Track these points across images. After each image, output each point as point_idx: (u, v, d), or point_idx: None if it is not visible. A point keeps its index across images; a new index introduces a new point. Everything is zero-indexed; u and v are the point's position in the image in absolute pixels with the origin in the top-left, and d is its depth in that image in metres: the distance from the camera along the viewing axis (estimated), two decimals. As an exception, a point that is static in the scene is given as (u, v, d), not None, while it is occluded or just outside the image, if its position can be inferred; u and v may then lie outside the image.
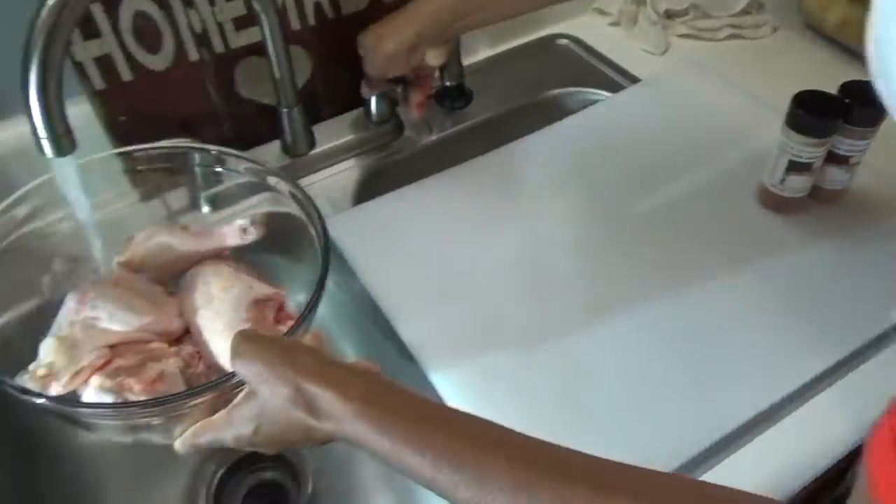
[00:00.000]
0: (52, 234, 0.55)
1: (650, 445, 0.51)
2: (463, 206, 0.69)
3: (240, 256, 0.58)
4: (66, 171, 0.46)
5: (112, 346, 0.48)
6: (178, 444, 0.44)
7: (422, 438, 0.34)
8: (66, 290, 0.53)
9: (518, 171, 0.73)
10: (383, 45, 0.60)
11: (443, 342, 0.58)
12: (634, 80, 0.84)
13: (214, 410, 0.42)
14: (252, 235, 0.56)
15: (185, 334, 0.54)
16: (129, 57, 0.61)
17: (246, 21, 0.66)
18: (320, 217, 0.53)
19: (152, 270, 0.56)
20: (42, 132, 0.42)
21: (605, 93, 0.84)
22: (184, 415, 0.44)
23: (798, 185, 0.64)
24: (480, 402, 0.54)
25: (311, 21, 0.69)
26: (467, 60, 0.84)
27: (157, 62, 0.63)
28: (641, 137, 0.75)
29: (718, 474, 0.51)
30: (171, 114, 0.67)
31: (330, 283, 0.75)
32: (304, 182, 0.73)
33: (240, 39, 0.66)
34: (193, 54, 0.64)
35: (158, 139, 0.64)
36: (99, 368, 0.47)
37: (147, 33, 0.61)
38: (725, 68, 0.84)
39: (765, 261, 0.63)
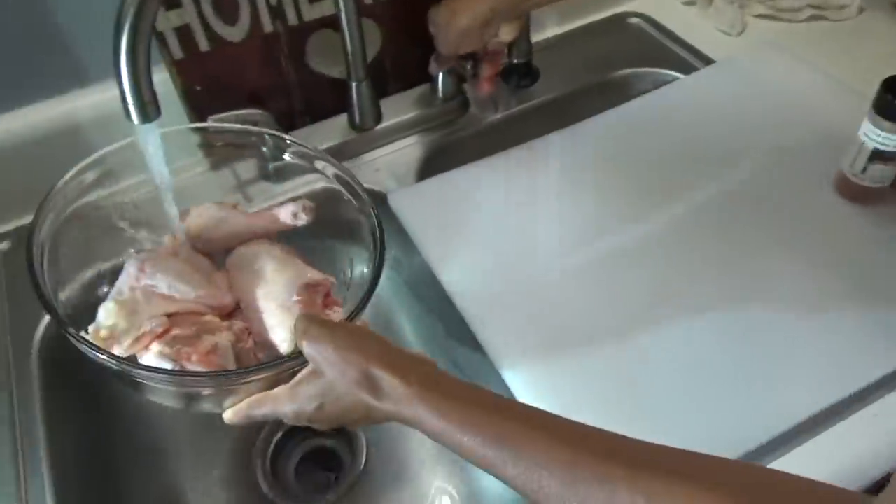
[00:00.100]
0: (121, 201, 0.57)
1: (710, 435, 0.51)
2: (526, 187, 0.69)
3: (288, 237, 0.59)
4: (148, 138, 0.47)
5: (170, 316, 0.50)
6: (231, 414, 0.46)
7: (473, 420, 0.37)
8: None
9: (583, 153, 0.72)
10: (457, 21, 0.60)
11: (501, 320, 0.58)
12: (708, 61, 0.82)
13: (267, 387, 0.45)
14: (303, 220, 0.57)
15: (235, 310, 0.55)
16: (206, 27, 0.63)
17: (319, -6, 0.67)
18: (374, 209, 0.53)
19: (204, 245, 0.57)
20: (130, 98, 0.43)
21: (676, 74, 0.82)
22: (236, 388, 0.47)
23: (880, 174, 0.61)
24: (540, 384, 0.54)
25: (384, -5, 0.69)
26: (535, 37, 0.82)
27: (234, 33, 0.64)
28: (714, 121, 0.73)
29: (783, 466, 0.49)
30: (243, 84, 0.68)
31: (389, 258, 0.77)
32: (368, 157, 0.74)
33: (313, 12, 0.67)
34: (268, 26, 0.65)
35: (231, 109, 0.66)
36: (158, 336, 0.48)
37: (225, 4, 0.62)
38: (805, 50, 0.80)
39: (838, 252, 0.61)
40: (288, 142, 0.57)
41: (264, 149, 0.58)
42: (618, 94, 0.80)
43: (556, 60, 0.83)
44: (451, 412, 0.38)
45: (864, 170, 0.61)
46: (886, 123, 0.58)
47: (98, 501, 0.59)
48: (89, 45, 0.63)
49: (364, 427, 0.69)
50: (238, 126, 0.57)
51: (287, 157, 0.58)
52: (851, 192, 0.64)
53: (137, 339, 0.47)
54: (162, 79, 0.65)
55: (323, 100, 0.73)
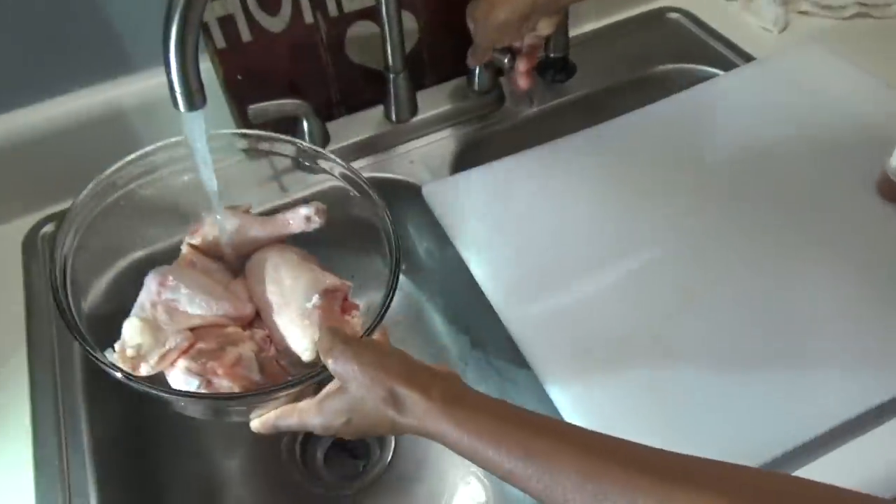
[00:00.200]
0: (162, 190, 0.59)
1: (742, 437, 0.50)
2: (560, 182, 0.68)
3: (305, 239, 0.59)
4: (193, 126, 0.48)
5: (193, 329, 0.50)
6: (258, 424, 0.48)
7: (497, 434, 0.38)
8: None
9: (618, 149, 0.71)
10: (496, 14, 0.59)
11: (533, 319, 0.58)
12: (749, 58, 0.81)
13: (294, 398, 0.47)
14: (316, 223, 0.57)
15: (255, 317, 0.55)
16: (249, 18, 0.63)
17: (359, -14, 0.67)
18: (388, 215, 0.53)
19: (220, 252, 0.58)
20: (177, 87, 0.44)
21: (716, 70, 0.81)
22: (264, 402, 0.48)
23: (927, 177, 0.60)
24: (569, 377, 0.54)
25: (423, -13, 0.70)
26: (572, 32, 0.82)
27: (275, 24, 0.65)
28: (753, 119, 0.72)
29: (811, 473, 0.49)
30: (283, 74, 0.69)
31: (421, 251, 0.77)
32: (403, 148, 0.75)
33: (353, 4, 0.67)
34: (309, 17, 0.66)
35: (270, 98, 0.67)
36: (184, 351, 0.49)
37: (268, -5, 0.63)
38: (849, 49, 0.79)
39: (878, 255, 0.60)
40: (306, 150, 0.58)
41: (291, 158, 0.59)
42: (655, 90, 0.79)
43: (592, 55, 0.82)
44: (475, 426, 0.39)
45: (910, 171, 0.60)
46: (935, 125, 0.57)
47: (136, 480, 0.61)
48: (136, 33, 0.65)
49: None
50: (262, 133, 0.58)
51: (306, 163, 0.59)
52: (894, 193, 0.63)
53: (164, 357, 0.48)
54: (204, 68, 0.65)
55: (360, 91, 0.74)
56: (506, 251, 0.63)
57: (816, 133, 0.70)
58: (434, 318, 0.78)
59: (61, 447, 0.54)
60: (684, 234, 0.63)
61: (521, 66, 0.66)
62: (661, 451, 0.36)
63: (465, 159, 0.74)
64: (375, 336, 0.48)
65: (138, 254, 0.62)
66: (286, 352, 0.53)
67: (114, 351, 0.48)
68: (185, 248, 0.57)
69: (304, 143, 0.58)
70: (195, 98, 0.45)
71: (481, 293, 0.61)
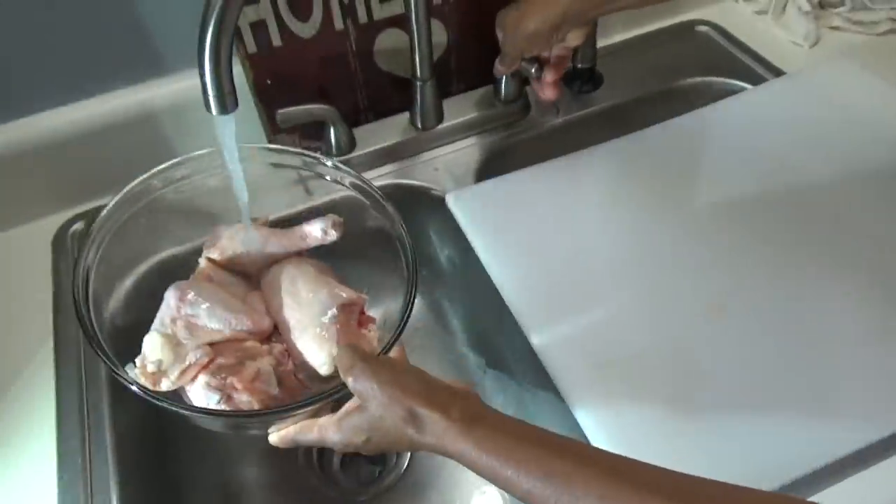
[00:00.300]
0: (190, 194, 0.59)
1: (763, 458, 0.49)
2: (584, 193, 0.68)
3: (321, 251, 0.60)
4: (225, 129, 0.48)
5: (212, 345, 0.51)
6: (276, 439, 0.48)
7: (515, 454, 0.38)
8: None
9: (645, 162, 0.71)
10: (526, 24, 0.60)
11: (556, 332, 0.57)
12: (778, 72, 0.80)
13: (314, 415, 0.47)
14: (332, 236, 0.57)
15: (273, 331, 0.56)
16: (280, 23, 0.64)
17: (390, -7, 0.67)
18: (404, 229, 0.54)
19: (237, 266, 0.58)
20: (210, 90, 0.45)
21: (744, 84, 0.80)
22: (283, 419, 0.48)
23: (961, 197, 0.59)
24: (589, 390, 0.54)
25: (453, -4, 0.70)
26: (600, 43, 0.82)
27: (305, 30, 0.66)
28: (782, 134, 0.71)
29: (831, 497, 0.48)
30: (312, 80, 0.70)
31: (443, 258, 0.77)
32: (428, 156, 0.75)
33: (383, 11, 0.68)
34: (339, 23, 0.67)
35: (299, 103, 0.68)
36: (203, 367, 0.49)
37: (300, 1, 0.64)
38: (882, 65, 0.78)
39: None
40: (327, 163, 0.59)
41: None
42: (682, 103, 0.79)
43: (620, 67, 0.82)
44: (493, 445, 0.39)
45: (943, 191, 0.59)
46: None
47: (155, 480, 0.61)
48: (169, 37, 0.66)
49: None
50: (279, 147, 0.59)
51: (324, 175, 0.60)
52: (927, 213, 0.62)
53: (184, 372, 0.48)
54: (234, 72, 0.66)
55: (387, 97, 0.74)
56: (528, 261, 0.63)
57: (846, 149, 0.69)
58: (454, 325, 0.78)
59: (84, 443, 0.55)
60: (709, 250, 0.62)
61: (549, 76, 0.66)
62: (682, 475, 0.36)
63: (489, 168, 0.74)
64: (393, 352, 0.48)
65: (161, 261, 0.63)
66: (304, 366, 0.53)
67: (135, 366, 0.48)
68: (202, 262, 0.57)
69: (314, 155, 0.59)
70: (227, 101, 0.46)
71: (502, 302, 0.61)
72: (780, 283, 0.59)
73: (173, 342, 0.49)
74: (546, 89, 0.67)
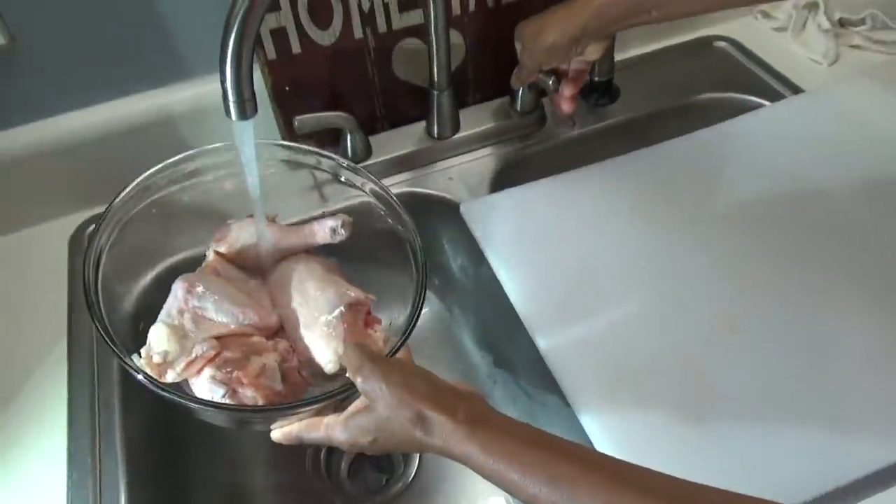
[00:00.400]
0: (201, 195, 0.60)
1: (773, 478, 0.49)
2: (599, 206, 0.68)
3: (329, 252, 0.60)
4: (244, 134, 0.49)
5: (218, 338, 0.51)
6: (280, 436, 0.48)
7: (521, 458, 0.38)
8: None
9: (660, 176, 0.71)
10: (545, 36, 0.60)
11: (567, 341, 0.57)
12: (797, 89, 0.80)
13: (317, 414, 0.47)
14: (341, 235, 0.57)
15: (279, 327, 0.56)
16: (300, 30, 0.65)
17: (409, 4, 0.68)
18: (417, 236, 0.54)
19: (245, 261, 0.58)
20: (231, 96, 0.45)
21: (762, 101, 0.80)
22: (288, 416, 0.48)
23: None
24: (599, 403, 0.54)
25: (472, 7, 0.70)
26: (618, 56, 0.82)
27: (325, 38, 0.66)
28: (799, 151, 0.71)
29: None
30: (330, 87, 0.70)
31: (455, 267, 0.77)
32: (443, 165, 0.75)
33: (402, 21, 0.68)
34: (358, 32, 0.67)
35: (316, 110, 0.68)
36: (209, 360, 0.49)
37: (320, 10, 0.64)
38: (901, 85, 0.77)
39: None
40: (343, 165, 0.59)
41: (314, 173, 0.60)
42: (699, 118, 0.79)
43: (637, 80, 0.82)
44: (500, 449, 0.39)
45: (963, 213, 0.59)
46: None
47: (163, 480, 0.61)
48: (190, 41, 0.67)
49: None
50: (294, 145, 0.60)
51: (341, 178, 0.60)
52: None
53: (190, 364, 0.48)
54: (254, 77, 0.67)
55: (403, 106, 0.75)
56: (541, 272, 0.62)
57: (864, 168, 0.69)
58: (464, 335, 0.78)
59: (95, 442, 0.55)
60: (723, 265, 0.62)
61: (567, 90, 0.66)
62: (686, 482, 0.36)
63: (504, 178, 0.74)
64: (400, 354, 0.48)
65: (180, 260, 0.63)
66: (308, 363, 0.53)
67: (140, 356, 0.48)
68: (210, 255, 0.57)
69: (337, 158, 0.59)
70: (247, 107, 0.46)
71: (513, 313, 0.60)
72: (795, 300, 0.59)
73: (180, 334, 0.49)
74: (563, 103, 0.67)
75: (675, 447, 0.51)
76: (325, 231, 0.58)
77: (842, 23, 0.85)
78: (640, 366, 0.55)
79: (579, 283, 0.61)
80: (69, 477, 0.53)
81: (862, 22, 0.84)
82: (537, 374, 0.61)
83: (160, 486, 0.60)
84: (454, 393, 0.43)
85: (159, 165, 0.56)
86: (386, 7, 0.67)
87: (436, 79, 0.69)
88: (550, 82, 0.67)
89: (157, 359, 0.48)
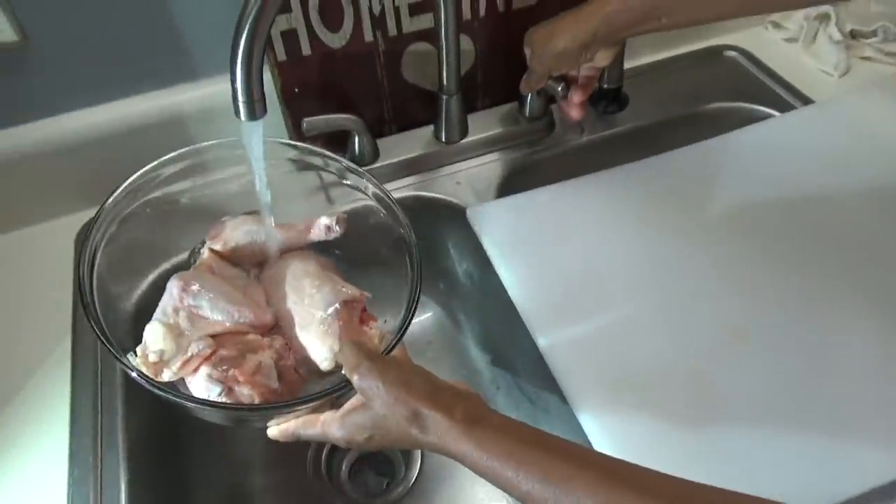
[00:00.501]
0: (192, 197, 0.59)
1: (774, 488, 0.47)
2: (606, 213, 0.68)
3: (323, 250, 0.60)
4: (252, 135, 0.49)
5: (214, 336, 0.50)
6: (276, 432, 0.48)
7: (515, 456, 0.38)
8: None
9: (667, 185, 0.70)
10: (555, 42, 0.60)
11: (570, 343, 0.57)
12: (806, 100, 0.79)
13: (314, 410, 0.47)
14: (335, 233, 0.57)
15: (274, 325, 0.55)
16: (311, 33, 0.65)
17: (419, 8, 0.68)
18: (415, 245, 0.54)
19: (240, 258, 0.58)
20: (241, 96, 0.45)
21: (771, 111, 0.80)
22: (284, 414, 0.48)
23: None
24: (602, 410, 0.53)
25: (482, 12, 0.70)
26: (627, 64, 0.82)
27: (335, 40, 0.66)
28: (809, 162, 0.71)
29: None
30: (339, 89, 0.70)
31: (460, 272, 0.77)
32: (450, 169, 0.75)
33: (412, 25, 0.68)
34: (368, 35, 0.67)
35: (325, 112, 0.68)
36: (206, 358, 0.49)
37: (331, 11, 0.64)
38: (912, 98, 0.77)
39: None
40: (344, 166, 0.59)
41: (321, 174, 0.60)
42: (707, 127, 0.79)
43: (646, 88, 0.82)
44: (495, 447, 0.39)
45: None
46: None
47: (164, 480, 0.61)
48: (200, 41, 0.67)
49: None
50: (302, 145, 0.59)
51: (345, 181, 0.60)
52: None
53: (186, 363, 0.48)
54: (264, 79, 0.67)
55: (412, 110, 0.75)
56: (547, 278, 0.62)
57: (873, 179, 0.68)
58: (468, 340, 0.78)
59: (96, 441, 0.55)
60: (730, 275, 0.62)
61: (576, 97, 0.66)
62: (684, 480, 0.36)
63: (511, 184, 0.74)
64: (395, 352, 0.48)
65: (176, 258, 0.63)
66: (304, 360, 0.53)
67: (135, 355, 0.48)
68: (205, 253, 0.57)
69: (335, 157, 0.59)
70: (257, 108, 0.46)
71: (518, 318, 0.60)
72: (800, 308, 0.59)
73: (175, 332, 0.49)
74: (572, 109, 0.67)
75: (674, 451, 0.51)
76: (319, 228, 0.58)
77: (853, 34, 0.85)
78: (643, 371, 0.55)
79: (584, 289, 0.61)
80: (70, 475, 0.53)
81: (873, 34, 0.84)
82: (542, 381, 0.60)
83: (161, 486, 0.60)
84: (452, 392, 0.43)
85: (154, 163, 0.56)
86: (396, 10, 0.67)
87: (445, 83, 0.69)
88: (559, 88, 0.67)
89: (153, 357, 0.48)
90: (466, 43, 0.72)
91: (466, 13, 0.70)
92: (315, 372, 0.53)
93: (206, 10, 0.64)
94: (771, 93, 0.82)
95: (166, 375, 0.48)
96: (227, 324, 0.51)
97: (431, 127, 0.75)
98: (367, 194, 0.58)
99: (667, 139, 0.76)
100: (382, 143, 0.73)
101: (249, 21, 0.42)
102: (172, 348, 0.48)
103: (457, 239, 0.73)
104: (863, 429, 0.51)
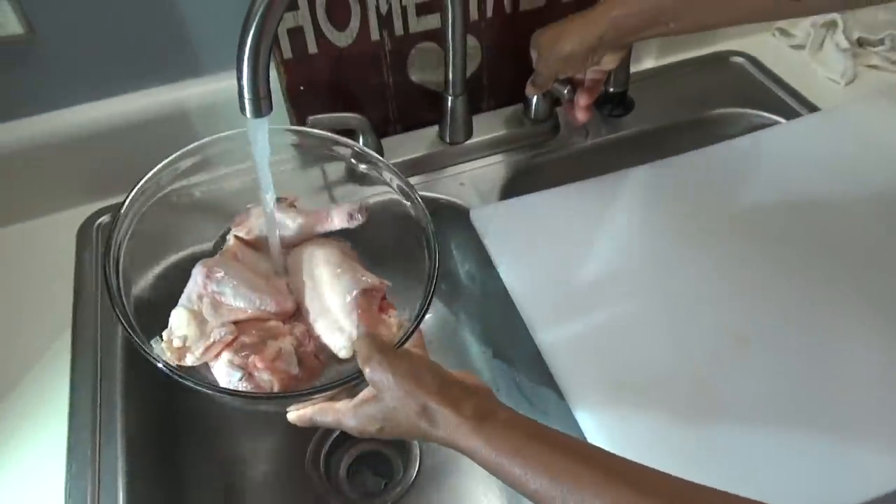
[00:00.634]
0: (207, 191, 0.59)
1: (774, 495, 0.48)
2: (609, 217, 0.67)
3: (346, 238, 0.60)
4: (257, 132, 0.49)
5: (235, 323, 0.51)
6: (295, 417, 0.49)
7: (524, 453, 0.38)
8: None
9: (672, 189, 0.70)
10: (562, 45, 0.59)
11: (572, 346, 0.57)
12: (812, 108, 0.79)
13: (331, 398, 0.48)
14: (358, 220, 0.57)
15: (296, 311, 0.56)
16: (317, 31, 0.65)
17: (426, 8, 0.68)
18: (433, 233, 0.53)
19: (262, 245, 0.58)
20: (247, 94, 0.45)
21: (777, 118, 0.79)
22: (300, 402, 0.49)
23: None
24: (603, 412, 0.53)
25: (489, 13, 0.70)
26: (633, 68, 0.82)
27: (341, 39, 0.66)
28: (814, 170, 0.71)
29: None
30: (344, 88, 0.70)
31: (462, 273, 0.77)
32: (454, 170, 0.75)
33: (419, 25, 0.68)
34: (375, 34, 0.67)
35: (330, 111, 0.68)
36: (227, 345, 0.50)
37: (338, 10, 0.64)
38: (919, 107, 0.77)
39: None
40: (364, 154, 0.58)
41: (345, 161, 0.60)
42: (712, 133, 0.79)
43: (652, 93, 0.82)
44: (504, 444, 0.39)
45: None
46: None
47: (163, 474, 0.61)
48: (205, 38, 0.67)
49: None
50: (320, 132, 0.59)
51: (362, 168, 0.59)
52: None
53: (208, 349, 0.49)
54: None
55: (417, 110, 0.75)
56: (549, 281, 0.62)
57: (879, 188, 0.68)
58: (469, 341, 0.78)
59: (95, 435, 0.55)
60: (733, 280, 0.62)
61: (582, 100, 0.66)
62: (689, 483, 0.36)
63: (515, 186, 0.73)
64: (413, 339, 0.48)
65: (189, 249, 0.63)
66: (324, 347, 0.53)
67: (161, 340, 0.49)
68: (230, 240, 0.58)
69: (363, 148, 0.58)
70: (262, 105, 0.46)
71: (520, 320, 0.60)
72: (803, 316, 0.58)
73: (199, 318, 0.50)
74: (578, 112, 0.67)
75: (673, 453, 0.51)
76: (342, 216, 0.58)
77: (860, 42, 0.85)
78: (644, 373, 0.55)
79: (586, 292, 0.61)
80: (68, 470, 0.53)
81: (881, 42, 0.84)
82: (543, 384, 0.60)
83: (159, 481, 0.60)
84: (461, 387, 0.43)
85: (178, 153, 0.56)
86: (404, 10, 0.67)
87: (451, 84, 0.69)
88: (565, 91, 0.67)
89: (176, 343, 0.49)
90: (473, 44, 0.72)
91: (473, 14, 0.70)
92: (334, 358, 0.53)
93: (211, 6, 0.64)
94: (777, 99, 0.82)
95: (189, 360, 0.49)
96: (249, 311, 0.52)
97: (436, 127, 0.74)
98: (391, 186, 0.58)
99: (672, 144, 0.76)
100: (387, 142, 0.73)
101: (257, 18, 0.42)
102: (196, 334, 0.49)
103: (459, 240, 0.73)
104: (865, 436, 0.51)
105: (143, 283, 0.57)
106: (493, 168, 0.75)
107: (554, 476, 0.37)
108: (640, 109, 0.80)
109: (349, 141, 0.58)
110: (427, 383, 0.42)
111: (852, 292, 0.60)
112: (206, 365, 0.50)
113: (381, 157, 0.58)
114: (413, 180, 0.73)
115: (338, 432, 0.70)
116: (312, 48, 0.66)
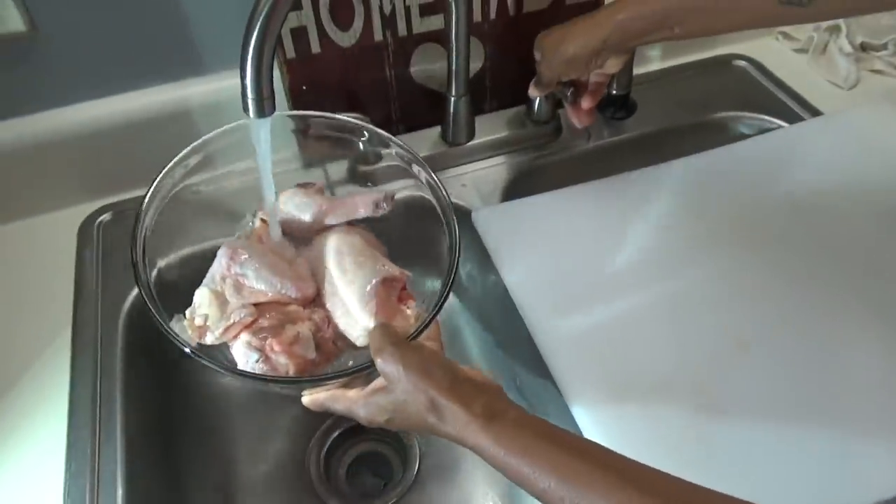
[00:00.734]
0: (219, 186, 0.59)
1: (773, 501, 0.48)
2: (611, 219, 0.67)
3: (369, 227, 0.60)
4: (260, 132, 0.49)
5: (256, 305, 0.52)
6: (309, 401, 0.49)
7: (534, 454, 0.38)
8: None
9: (673, 193, 0.70)
10: (565, 47, 0.59)
11: (572, 353, 0.57)
12: (815, 112, 0.79)
13: (345, 385, 0.48)
14: (383, 209, 0.58)
15: (316, 297, 0.56)
16: (321, 31, 0.65)
17: (430, 9, 0.68)
18: (453, 221, 0.54)
19: (288, 230, 0.58)
20: (250, 94, 0.45)
21: (779, 122, 0.79)
22: (314, 387, 0.49)
23: None
24: (603, 414, 0.53)
25: (493, 15, 0.70)
26: (636, 71, 0.81)
27: (345, 39, 0.66)
28: (816, 174, 0.71)
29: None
30: (347, 88, 0.70)
31: (463, 274, 0.77)
32: (456, 171, 0.75)
33: (422, 25, 0.68)
34: (378, 35, 0.67)
35: (332, 111, 0.67)
36: (246, 326, 0.50)
37: (341, 10, 0.64)
38: (921, 112, 0.77)
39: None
40: (388, 141, 0.58)
41: (362, 143, 0.60)
42: (715, 136, 0.78)
43: (654, 96, 0.82)
44: (513, 443, 0.39)
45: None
46: None
47: (162, 473, 0.61)
48: (209, 37, 0.67)
49: (420, 439, 0.70)
50: (339, 116, 0.59)
51: (386, 153, 0.59)
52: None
53: (227, 329, 0.50)
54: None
55: (419, 111, 0.74)
56: (550, 283, 0.62)
57: (881, 193, 0.68)
58: (470, 342, 0.77)
59: (94, 433, 0.55)
60: (734, 284, 0.62)
61: (585, 103, 0.66)
62: (698, 486, 0.36)
63: (517, 187, 0.73)
64: (429, 331, 0.48)
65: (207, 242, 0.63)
66: (342, 334, 0.54)
67: (184, 318, 0.50)
68: (257, 222, 0.58)
69: (391, 137, 0.59)
70: (266, 105, 0.46)
71: (521, 322, 0.60)
72: (805, 320, 0.58)
73: (220, 299, 0.51)
74: (581, 115, 0.67)
75: (671, 454, 0.51)
76: (368, 204, 0.58)
77: (863, 47, 0.85)
78: (644, 376, 0.55)
79: (588, 295, 0.61)
80: (67, 468, 0.53)
81: (884, 47, 0.84)
82: (544, 386, 0.60)
83: (158, 480, 0.60)
84: (472, 384, 0.43)
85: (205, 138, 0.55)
86: (407, 10, 0.67)
87: (453, 85, 0.68)
88: (568, 94, 0.67)
89: (198, 321, 0.50)
90: (476, 44, 0.72)
91: (477, 15, 0.69)
92: (352, 345, 0.54)
93: (215, 4, 0.64)
94: (779, 103, 0.82)
95: (209, 339, 0.50)
96: (270, 294, 0.52)
97: (438, 128, 0.74)
98: (419, 179, 0.58)
99: (674, 147, 0.76)
100: (388, 143, 0.73)
101: (261, 18, 0.42)
102: (217, 314, 0.50)
103: (461, 241, 0.73)
104: (865, 441, 0.51)
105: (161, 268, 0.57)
106: (495, 169, 0.75)
107: (562, 477, 0.36)
108: (643, 112, 0.80)
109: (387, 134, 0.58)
110: (437, 378, 0.42)
111: (853, 297, 0.60)
112: (225, 345, 0.51)
113: (411, 149, 0.58)
114: (414, 181, 0.73)
115: (338, 432, 0.70)
116: (316, 48, 0.66)
